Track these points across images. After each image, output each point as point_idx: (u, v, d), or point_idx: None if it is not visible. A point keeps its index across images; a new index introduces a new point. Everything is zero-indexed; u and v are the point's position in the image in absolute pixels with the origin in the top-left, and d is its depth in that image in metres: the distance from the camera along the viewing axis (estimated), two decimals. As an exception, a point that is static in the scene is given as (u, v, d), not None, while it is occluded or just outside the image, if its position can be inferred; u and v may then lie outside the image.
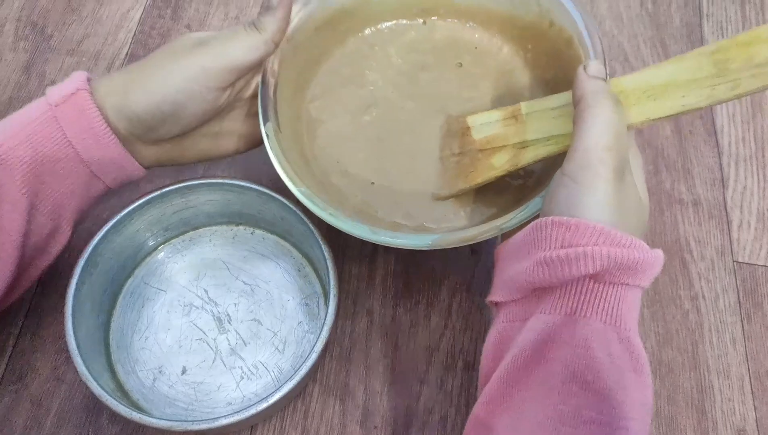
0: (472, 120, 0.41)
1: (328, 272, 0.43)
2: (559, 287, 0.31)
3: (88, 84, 0.39)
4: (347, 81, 0.47)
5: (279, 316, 0.47)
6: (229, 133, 0.43)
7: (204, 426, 0.38)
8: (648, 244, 0.31)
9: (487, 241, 0.40)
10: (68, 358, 0.46)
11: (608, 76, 0.36)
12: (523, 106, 0.39)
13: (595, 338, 0.30)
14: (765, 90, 0.31)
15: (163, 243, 0.49)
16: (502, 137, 0.39)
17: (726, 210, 0.53)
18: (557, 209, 0.32)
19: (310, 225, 0.44)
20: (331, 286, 0.42)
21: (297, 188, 0.39)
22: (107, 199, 0.51)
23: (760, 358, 0.47)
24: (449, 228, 0.42)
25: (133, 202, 0.45)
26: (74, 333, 0.40)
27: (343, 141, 0.45)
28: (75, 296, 0.41)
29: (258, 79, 0.42)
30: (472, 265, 0.50)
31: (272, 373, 0.45)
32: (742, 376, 0.46)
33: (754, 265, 0.51)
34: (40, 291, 0.48)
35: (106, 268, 0.45)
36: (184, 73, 0.38)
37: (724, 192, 0.54)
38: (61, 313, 0.47)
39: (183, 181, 0.46)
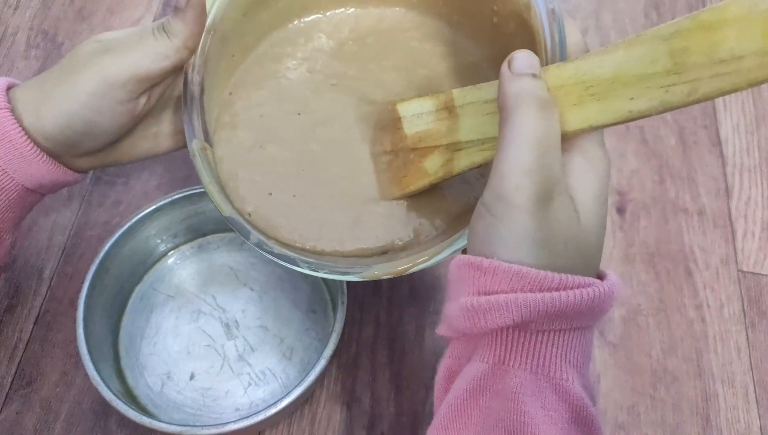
0: (402, 108, 0.36)
1: (338, 284, 0.43)
2: (487, 334, 0.28)
3: (8, 100, 0.36)
4: (269, 76, 0.42)
5: (286, 322, 0.47)
6: (169, 132, 0.41)
7: (213, 431, 0.38)
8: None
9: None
10: (77, 363, 0.46)
11: (564, 57, 0.31)
12: (456, 95, 0.33)
13: (526, 390, 0.26)
14: (728, 94, 0.26)
15: (173, 249, 0.49)
16: (435, 135, 0.34)
17: (730, 219, 0.53)
18: (476, 245, 0.28)
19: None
20: (340, 293, 0.43)
21: (224, 216, 0.36)
22: (117, 206, 0.52)
23: (765, 366, 0.47)
24: (392, 246, 0.38)
25: (143, 209, 0.45)
26: (85, 338, 0.40)
27: (263, 156, 0.40)
28: (86, 302, 0.42)
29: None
30: (478, 272, 0.50)
31: (279, 380, 0.45)
32: (746, 385, 0.47)
33: (759, 274, 0.51)
34: (50, 297, 0.49)
35: (117, 274, 0.46)
36: (87, 86, 0.34)
37: (728, 202, 0.54)
38: (70, 318, 0.47)
39: (192, 188, 0.46)
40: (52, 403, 0.45)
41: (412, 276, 0.50)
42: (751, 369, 0.47)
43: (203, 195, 0.46)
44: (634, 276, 0.50)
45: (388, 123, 0.37)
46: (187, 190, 0.46)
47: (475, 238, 0.28)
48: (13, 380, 0.45)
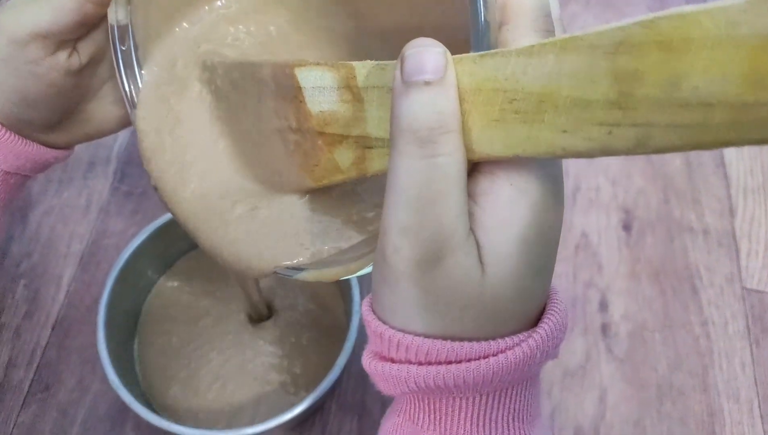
0: (301, 75, 0.30)
1: (350, 287, 0.44)
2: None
3: None
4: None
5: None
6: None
7: (229, 436, 0.39)
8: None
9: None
10: (94, 369, 0.47)
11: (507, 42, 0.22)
12: (358, 71, 0.26)
13: None
14: (689, 150, 0.18)
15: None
16: (341, 121, 0.28)
17: (735, 238, 0.54)
18: (374, 295, 0.25)
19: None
20: (355, 302, 0.44)
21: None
22: (134, 215, 0.53)
23: (769, 383, 0.48)
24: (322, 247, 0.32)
25: (163, 218, 0.46)
26: (106, 342, 0.41)
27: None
28: (108, 306, 0.43)
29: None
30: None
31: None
32: (751, 400, 0.47)
33: (763, 292, 0.52)
34: (67, 303, 0.49)
35: (135, 282, 0.47)
36: None
37: (732, 221, 0.55)
38: (88, 325, 0.48)
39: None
40: (68, 408, 0.46)
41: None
42: (756, 385, 0.48)
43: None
44: (640, 292, 0.51)
45: (287, 90, 0.31)
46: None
47: (373, 286, 0.25)
48: (30, 385, 0.46)
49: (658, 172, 0.57)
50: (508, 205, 0.22)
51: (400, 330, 0.24)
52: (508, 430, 0.25)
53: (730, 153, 0.59)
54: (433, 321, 0.23)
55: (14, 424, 0.45)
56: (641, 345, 0.50)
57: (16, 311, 0.49)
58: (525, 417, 0.25)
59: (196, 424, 0.43)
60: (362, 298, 0.45)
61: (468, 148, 0.21)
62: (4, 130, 0.35)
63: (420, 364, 0.23)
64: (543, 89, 0.20)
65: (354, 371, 0.48)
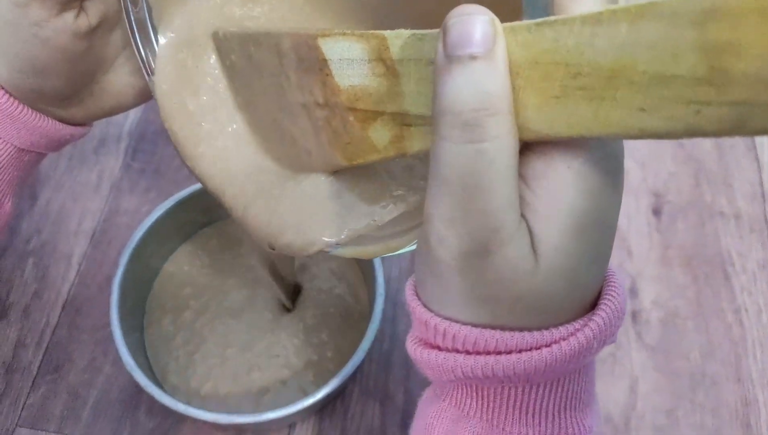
0: (326, 46, 0.27)
1: (373, 269, 0.42)
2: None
3: None
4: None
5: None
6: None
7: (247, 419, 0.37)
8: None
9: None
10: (106, 350, 0.45)
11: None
12: (391, 42, 0.23)
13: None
14: None
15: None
16: (374, 96, 0.26)
17: (767, 223, 0.53)
18: (417, 278, 0.24)
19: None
20: (378, 284, 0.42)
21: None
22: (147, 193, 0.51)
23: (806, 373, 0.47)
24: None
25: (180, 193, 0.45)
26: (120, 322, 0.40)
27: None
28: (121, 286, 0.41)
29: None
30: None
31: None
32: (788, 391, 0.46)
33: (799, 279, 0.50)
34: (78, 282, 0.48)
35: (149, 258, 0.45)
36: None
37: (764, 206, 0.53)
38: (99, 304, 0.47)
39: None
40: (79, 389, 0.44)
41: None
42: (793, 375, 0.46)
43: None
44: (671, 278, 0.50)
45: (310, 63, 0.28)
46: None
47: (416, 271, 0.24)
48: (40, 365, 0.45)
49: (689, 155, 0.56)
50: (566, 191, 0.20)
51: (446, 318, 0.22)
52: (559, 418, 0.24)
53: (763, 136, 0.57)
54: (481, 312, 0.22)
55: (23, 406, 0.43)
56: (673, 333, 0.48)
57: (25, 290, 0.47)
58: (577, 405, 0.24)
59: (214, 408, 0.42)
60: (386, 280, 0.43)
61: (522, 127, 0.19)
62: (16, 104, 0.33)
63: (468, 353, 0.22)
64: (614, 63, 0.17)
65: (377, 355, 0.46)
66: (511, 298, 0.21)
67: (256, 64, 0.31)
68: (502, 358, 0.22)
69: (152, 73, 0.33)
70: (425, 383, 0.45)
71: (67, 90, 0.34)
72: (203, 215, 0.47)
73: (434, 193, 0.20)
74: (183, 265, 0.47)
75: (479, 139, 0.18)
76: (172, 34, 0.34)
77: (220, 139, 0.33)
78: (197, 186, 0.45)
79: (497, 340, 0.21)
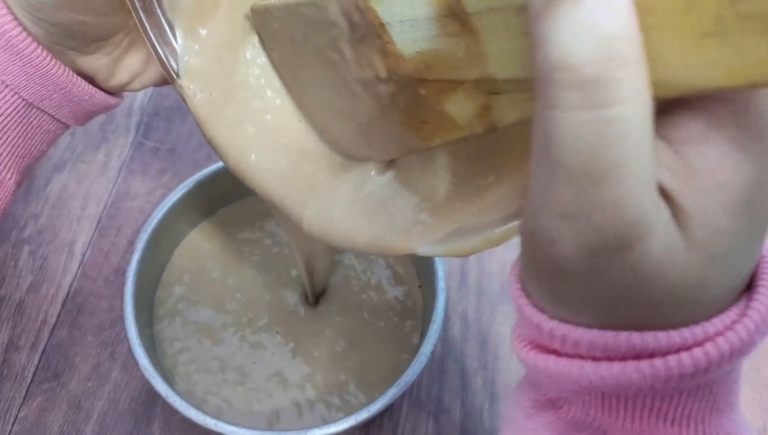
0: (381, 7, 0.23)
1: (433, 260, 0.36)
2: None
3: None
4: None
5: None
6: None
7: (289, 439, 0.31)
8: None
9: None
10: (113, 353, 0.39)
11: None
12: None
13: None
14: None
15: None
16: (449, 62, 0.22)
17: None
18: (527, 279, 0.21)
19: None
20: (438, 278, 0.36)
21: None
22: (161, 175, 0.45)
23: None
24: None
25: (203, 172, 0.39)
26: (135, 320, 0.33)
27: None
28: (136, 279, 0.35)
29: None
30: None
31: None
32: None
33: None
34: (81, 274, 0.41)
35: (167, 248, 0.39)
36: None
37: None
38: (105, 300, 0.40)
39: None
40: (82, 400, 0.37)
41: (503, 270, 0.43)
42: None
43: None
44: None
45: (367, 31, 0.24)
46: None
47: (521, 266, 0.20)
48: (36, 371, 0.38)
49: None
50: (729, 157, 0.15)
51: (562, 320, 0.19)
52: (703, 425, 0.20)
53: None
54: (607, 314, 0.18)
55: (14, 420, 0.37)
56: (762, 343, 0.42)
57: (19, 283, 0.41)
58: (723, 407, 0.20)
59: (236, 421, 0.35)
60: (446, 272, 0.37)
61: (660, 82, 0.14)
62: (29, 40, 0.27)
63: (595, 359, 0.18)
64: None
65: (428, 362, 0.40)
66: (651, 298, 0.17)
67: (301, 40, 0.27)
68: (643, 364, 0.17)
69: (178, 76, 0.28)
70: (485, 396, 0.39)
71: (98, 29, 0.28)
72: (221, 196, 0.41)
73: (543, 180, 0.16)
74: (196, 250, 0.41)
75: (604, 103, 0.14)
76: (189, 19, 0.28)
77: (261, 138, 0.29)
78: (217, 165, 0.39)
79: (634, 342, 0.17)
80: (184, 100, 0.28)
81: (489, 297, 0.42)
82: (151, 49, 0.27)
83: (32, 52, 0.27)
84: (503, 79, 0.20)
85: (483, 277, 0.43)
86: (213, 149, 0.28)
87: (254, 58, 0.30)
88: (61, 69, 0.28)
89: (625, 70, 0.14)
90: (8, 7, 0.27)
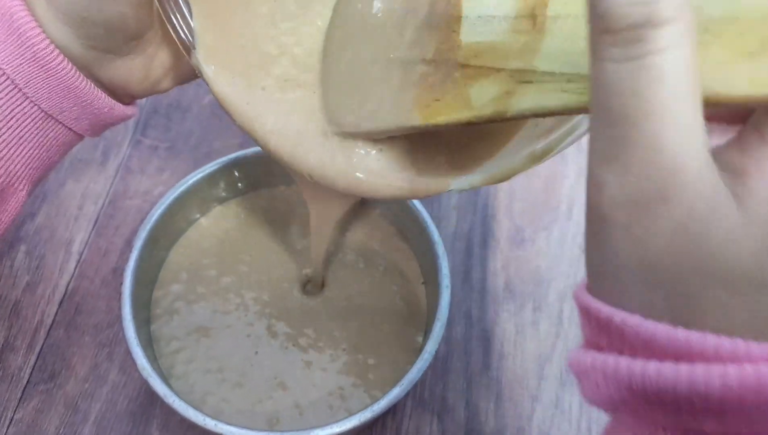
0: (469, 4, 0.25)
1: (437, 257, 0.36)
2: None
3: None
4: None
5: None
6: None
7: (292, 440, 0.30)
8: None
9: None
10: (111, 354, 0.38)
11: None
12: None
13: None
14: None
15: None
16: (501, 52, 0.24)
17: None
18: (586, 252, 0.21)
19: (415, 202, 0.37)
20: (442, 274, 0.35)
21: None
22: (160, 173, 0.44)
23: None
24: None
25: (204, 168, 0.38)
26: (134, 320, 0.33)
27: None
28: (134, 277, 0.34)
29: None
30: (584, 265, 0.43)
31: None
32: None
33: None
34: (78, 274, 0.41)
35: (165, 246, 0.38)
36: None
37: None
38: (102, 300, 0.40)
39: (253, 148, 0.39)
40: (79, 402, 0.37)
41: (507, 267, 0.43)
42: None
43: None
44: None
45: (441, 20, 0.26)
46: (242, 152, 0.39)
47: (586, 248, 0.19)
48: (32, 372, 0.37)
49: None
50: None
51: (612, 304, 0.18)
52: None
53: None
54: (654, 295, 0.17)
55: (10, 422, 0.36)
56: None
57: (15, 283, 0.40)
58: None
59: (236, 422, 0.34)
60: (450, 270, 0.36)
61: (706, 89, 0.17)
62: (56, 53, 0.26)
63: (641, 356, 0.17)
64: None
65: (433, 360, 0.39)
66: (698, 269, 0.16)
67: (372, 18, 0.29)
68: (698, 368, 0.15)
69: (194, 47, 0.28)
70: (489, 396, 0.38)
71: (139, 13, 0.27)
72: (219, 193, 0.41)
73: (593, 127, 0.17)
74: (194, 247, 0.40)
75: (643, 54, 0.15)
76: None
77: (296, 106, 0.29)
78: (216, 163, 0.38)
79: (689, 342, 0.16)
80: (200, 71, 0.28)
81: (493, 295, 0.42)
82: (167, 22, 0.27)
83: (58, 64, 0.27)
84: (542, 71, 0.22)
85: (487, 275, 0.42)
86: (219, 104, 0.28)
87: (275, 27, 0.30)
88: (84, 82, 0.28)
89: (663, 25, 0.15)
90: (37, 19, 0.26)
